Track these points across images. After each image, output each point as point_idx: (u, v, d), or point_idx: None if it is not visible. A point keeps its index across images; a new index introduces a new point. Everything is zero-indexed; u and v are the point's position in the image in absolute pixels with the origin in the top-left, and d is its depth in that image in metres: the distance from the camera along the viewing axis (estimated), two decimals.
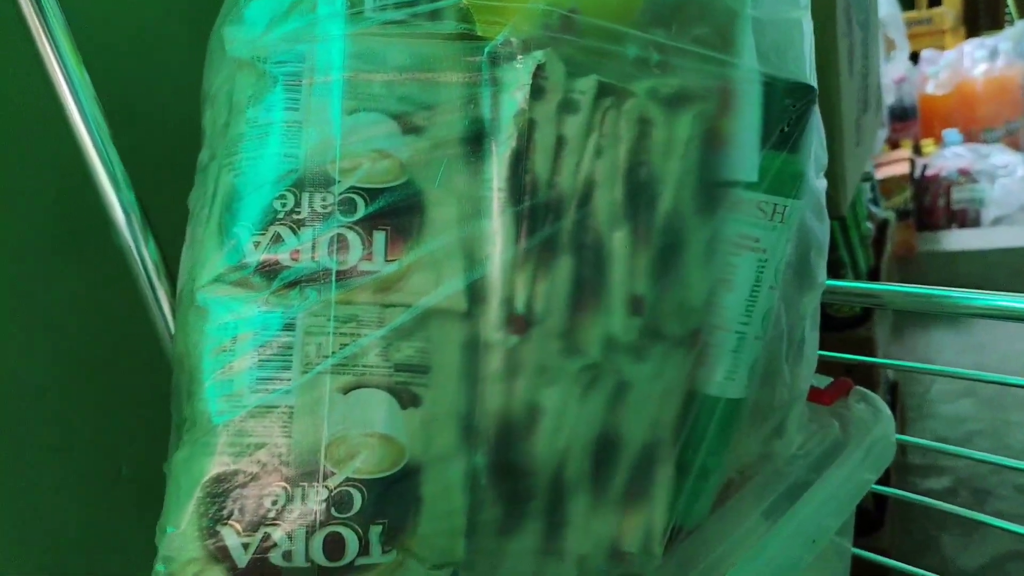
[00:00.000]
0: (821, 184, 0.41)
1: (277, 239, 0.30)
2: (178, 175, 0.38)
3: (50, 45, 0.38)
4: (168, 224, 0.39)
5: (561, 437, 0.34)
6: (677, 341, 0.36)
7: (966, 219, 2.50)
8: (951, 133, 2.77)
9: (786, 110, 0.36)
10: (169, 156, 0.42)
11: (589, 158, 0.33)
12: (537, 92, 0.32)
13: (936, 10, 3.32)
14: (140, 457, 0.53)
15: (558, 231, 0.33)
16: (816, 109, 0.38)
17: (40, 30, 0.38)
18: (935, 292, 0.50)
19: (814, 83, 0.38)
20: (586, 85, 0.33)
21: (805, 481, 0.43)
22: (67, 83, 0.38)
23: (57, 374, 0.51)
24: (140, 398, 0.52)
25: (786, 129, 0.36)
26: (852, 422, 0.48)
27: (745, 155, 0.36)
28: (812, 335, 0.44)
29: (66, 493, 0.52)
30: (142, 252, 0.38)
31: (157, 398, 0.37)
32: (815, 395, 0.49)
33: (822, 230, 0.42)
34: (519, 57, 0.32)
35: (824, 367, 0.61)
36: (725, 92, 0.36)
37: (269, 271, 0.30)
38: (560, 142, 0.32)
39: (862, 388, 0.50)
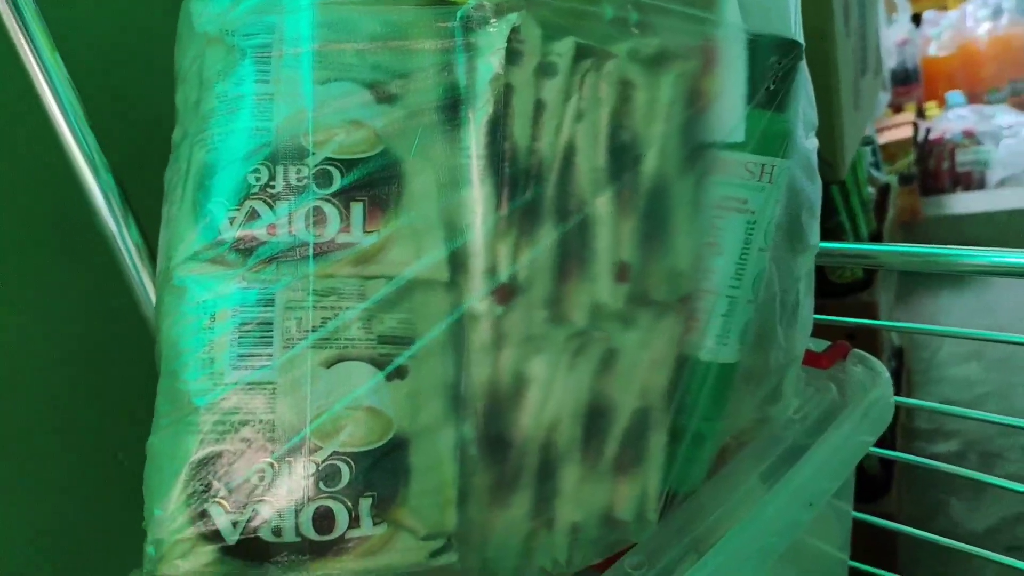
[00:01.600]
0: (811, 143, 0.40)
1: (252, 214, 0.29)
2: (157, 156, 0.37)
3: (22, 33, 0.37)
4: (150, 206, 0.39)
5: (550, 406, 0.34)
6: (666, 306, 0.36)
7: (971, 181, 2.48)
8: (955, 95, 2.74)
9: (771, 68, 0.35)
10: (148, 137, 0.41)
11: (569, 122, 0.32)
12: (513, 56, 0.31)
13: None
14: (137, 444, 0.53)
15: (540, 198, 0.32)
16: (803, 66, 0.37)
17: (12, 18, 0.38)
18: (930, 251, 0.49)
19: (800, 39, 0.37)
20: (564, 48, 0.32)
21: (802, 444, 0.43)
22: (41, 69, 0.38)
23: (54, 365, 0.51)
24: (135, 385, 0.52)
25: (772, 87, 0.35)
26: (849, 385, 0.47)
27: (730, 115, 0.35)
28: (807, 298, 0.44)
29: (68, 481, 0.52)
30: (124, 235, 0.38)
31: (151, 384, 0.37)
32: (812, 359, 0.49)
33: (814, 190, 0.41)
34: (493, 21, 0.31)
35: (826, 333, 0.61)
36: (708, 51, 0.35)
37: (246, 247, 0.29)
38: (538, 107, 0.32)
39: (860, 351, 0.50)
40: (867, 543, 0.71)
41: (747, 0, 0.35)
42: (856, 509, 0.62)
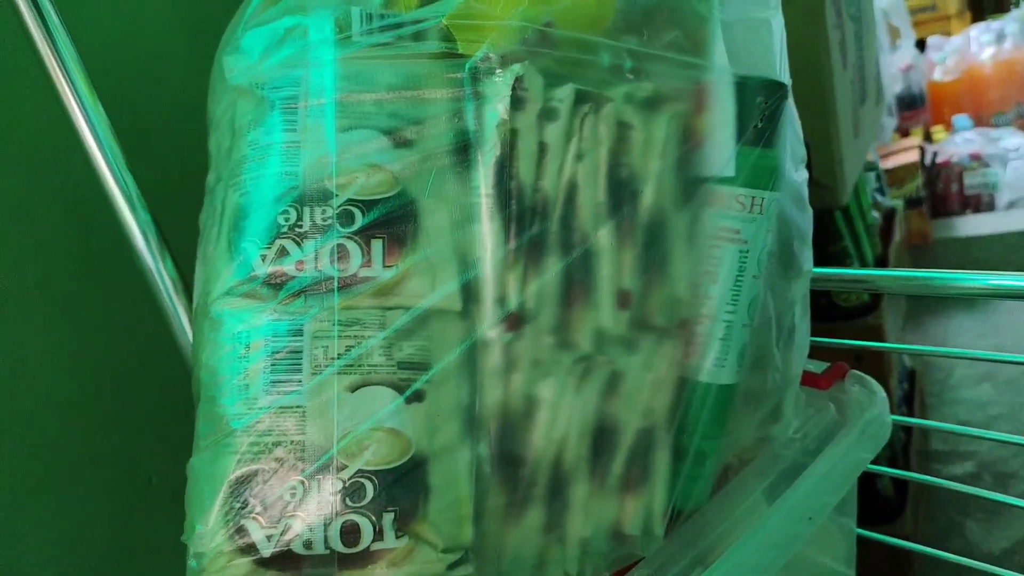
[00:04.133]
0: (800, 176, 0.43)
1: (282, 252, 0.32)
2: (191, 197, 0.40)
3: (64, 77, 0.41)
4: (184, 242, 0.42)
5: (558, 426, 0.36)
6: (666, 331, 0.38)
7: (980, 204, 2.49)
8: (961, 119, 2.76)
9: (758, 107, 0.38)
10: (183, 178, 0.44)
11: (571, 162, 0.35)
12: (517, 103, 0.34)
13: None
14: (169, 466, 0.55)
15: (545, 232, 0.35)
16: (789, 104, 0.40)
17: (53, 64, 0.41)
18: (925, 274, 0.51)
19: (785, 80, 0.40)
20: (564, 93, 0.35)
21: (803, 462, 0.45)
22: (82, 115, 0.41)
23: (88, 390, 0.54)
24: (167, 409, 0.55)
25: (759, 125, 0.38)
26: (848, 405, 0.49)
27: (721, 152, 0.38)
28: (803, 321, 0.46)
29: (101, 504, 0.55)
30: (160, 270, 0.41)
31: (182, 408, 0.40)
32: (812, 380, 0.51)
33: (804, 219, 0.43)
34: (498, 71, 0.34)
35: (834, 355, 0.62)
36: (699, 93, 0.38)
37: (276, 282, 0.32)
38: (542, 148, 0.35)
39: (858, 372, 0.52)
40: (882, 565, 0.72)
41: (734, 44, 0.38)
42: (871, 531, 0.63)
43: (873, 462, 0.49)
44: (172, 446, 0.53)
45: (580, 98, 0.35)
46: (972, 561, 0.60)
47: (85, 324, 0.54)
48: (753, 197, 0.38)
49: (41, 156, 0.51)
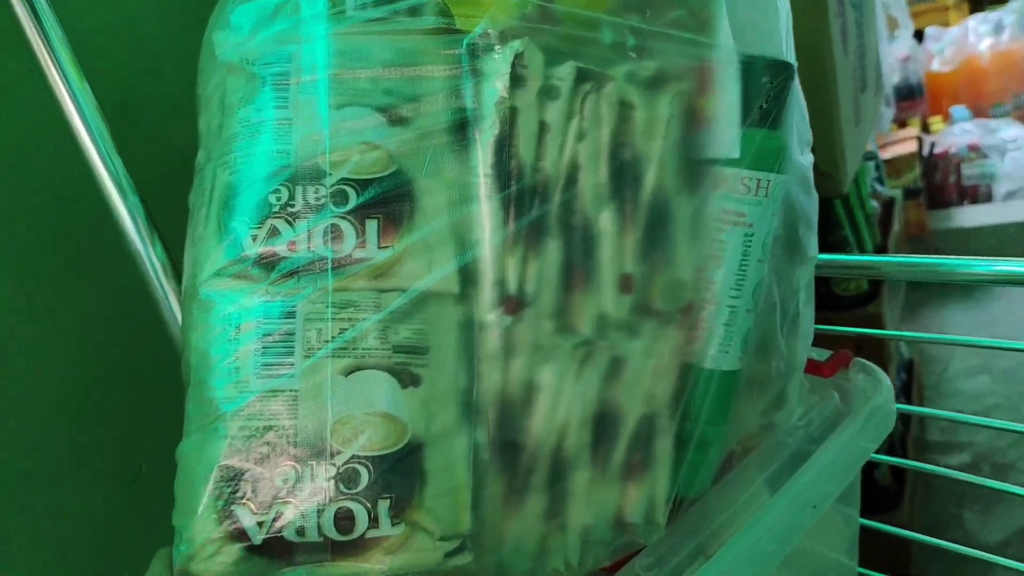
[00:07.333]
0: (806, 159, 0.42)
1: (274, 232, 0.31)
2: (181, 177, 0.39)
3: (51, 59, 0.39)
4: (173, 225, 0.41)
5: (559, 412, 0.35)
6: (668, 316, 0.37)
7: (978, 195, 2.48)
8: (959, 109, 2.75)
9: (764, 87, 0.37)
10: (172, 159, 0.43)
11: (572, 142, 0.34)
12: (517, 80, 0.33)
13: None
14: (160, 454, 0.54)
15: (545, 213, 0.34)
16: (796, 85, 0.39)
17: (41, 45, 0.40)
18: (932, 260, 0.50)
19: (792, 60, 0.39)
20: (565, 71, 0.34)
21: (806, 450, 0.44)
22: (70, 97, 0.40)
23: (79, 379, 0.53)
24: (157, 396, 0.53)
25: (765, 106, 0.37)
26: (852, 392, 0.48)
27: (726, 132, 0.37)
28: (807, 308, 0.45)
29: (93, 493, 0.54)
30: (150, 254, 0.40)
31: (173, 395, 0.39)
32: (815, 367, 0.50)
33: (810, 203, 0.42)
34: (497, 48, 0.33)
35: (834, 346, 0.61)
36: (703, 72, 0.37)
37: (268, 263, 0.31)
38: (542, 127, 0.34)
39: (862, 359, 0.51)
40: (881, 555, 0.72)
41: (740, 24, 0.37)
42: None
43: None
44: (162, 434, 0.52)
45: (581, 76, 0.34)
46: (970, 550, 0.60)
47: (78, 311, 0.53)
48: (759, 179, 0.37)
49: (30, 141, 0.50)
